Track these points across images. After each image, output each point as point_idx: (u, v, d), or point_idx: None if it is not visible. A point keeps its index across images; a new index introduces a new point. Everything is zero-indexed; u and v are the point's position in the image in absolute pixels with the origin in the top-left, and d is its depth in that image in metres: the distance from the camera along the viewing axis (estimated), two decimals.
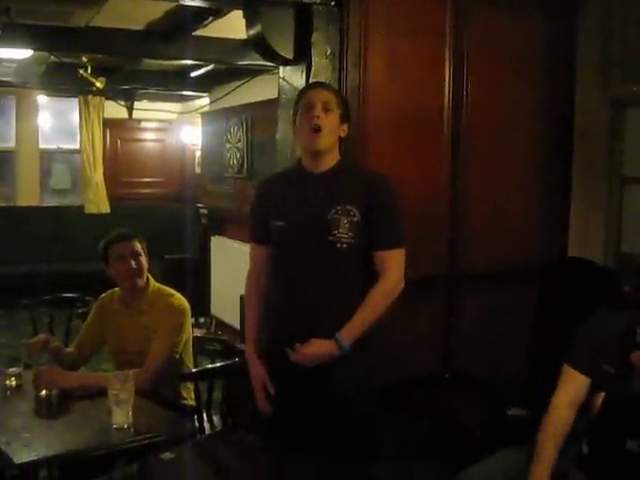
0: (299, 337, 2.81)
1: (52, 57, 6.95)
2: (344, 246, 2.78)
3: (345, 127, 2.88)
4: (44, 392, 3.16)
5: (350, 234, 2.77)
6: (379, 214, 2.81)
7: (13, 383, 3.37)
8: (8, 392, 3.33)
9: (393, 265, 2.83)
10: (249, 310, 3.09)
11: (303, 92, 2.94)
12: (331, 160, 2.86)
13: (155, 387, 3.38)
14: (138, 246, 3.67)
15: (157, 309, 3.61)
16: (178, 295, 3.68)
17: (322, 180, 2.84)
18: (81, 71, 7.25)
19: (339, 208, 2.78)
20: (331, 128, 2.80)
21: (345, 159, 2.91)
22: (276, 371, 2.94)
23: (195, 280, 6.86)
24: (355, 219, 2.78)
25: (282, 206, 2.88)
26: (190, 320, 3.69)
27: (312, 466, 2.50)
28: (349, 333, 2.77)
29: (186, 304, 3.65)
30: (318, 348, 2.77)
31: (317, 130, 2.76)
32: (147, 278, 3.69)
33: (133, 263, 3.61)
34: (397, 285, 2.85)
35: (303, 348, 2.76)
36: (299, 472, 2.51)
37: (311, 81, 3.45)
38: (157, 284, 3.73)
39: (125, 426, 2.82)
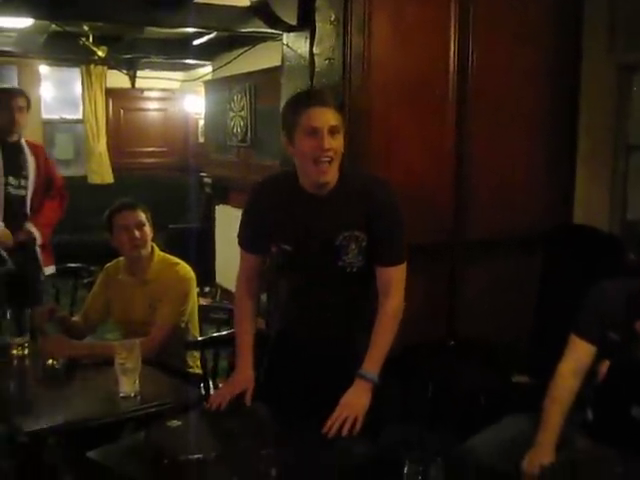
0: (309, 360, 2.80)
1: (53, 26, 6.89)
2: (354, 270, 2.71)
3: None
4: (51, 361, 3.17)
5: (359, 258, 2.69)
6: (382, 230, 2.69)
7: (20, 353, 3.39)
8: (15, 361, 3.36)
9: (396, 282, 2.75)
10: (240, 319, 2.94)
11: (300, 110, 2.58)
12: (332, 182, 2.67)
13: (161, 356, 3.40)
14: (142, 216, 3.66)
15: (162, 278, 3.61)
16: (183, 264, 3.69)
17: (325, 202, 2.68)
18: (83, 40, 7.19)
19: (347, 234, 2.67)
20: (339, 153, 2.59)
21: (343, 174, 2.69)
22: (284, 361, 2.92)
23: (199, 249, 6.87)
24: (364, 244, 2.69)
25: (286, 228, 2.74)
26: (195, 289, 3.70)
27: (319, 433, 2.51)
28: (374, 365, 2.68)
29: (191, 273, 3.66)
30: (355, 401, 2.60)
31: (329, 162, 2.57)
32: (152, 248, 3.69)
33: (137, 233, 3.61)
34: (402, 302, 2.77)
35: (343, 412, 2.55)
36: (306, 439, 2.52)
37: (315, 48, 3.42)
38: (162, 253, 3.73)
39: (132, 394, 2.84)
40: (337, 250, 2.68)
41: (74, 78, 9.88)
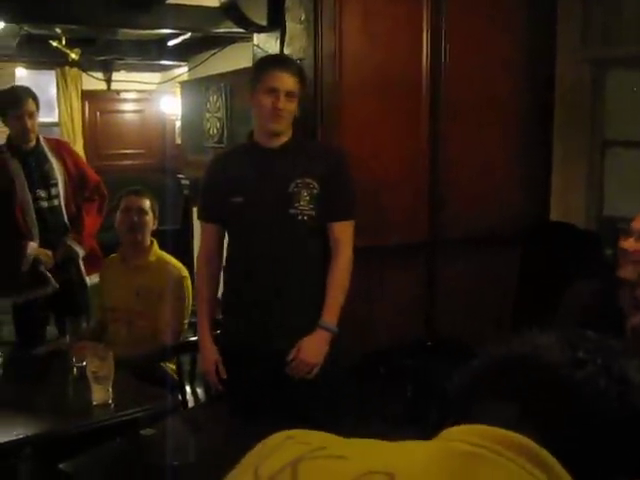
0: (258, 316, 2.84)
1: (25, 28, 6.82)
2: (305, 218, 2.81)
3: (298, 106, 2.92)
4: (83, 364, 3.03)
5: (311, 206, 2.80)
6: (333, 186, 2.84)
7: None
8: None
9: (346, 237, 2.88)
10: (201, 294, 3.07)
11: (265, 69, 2.88)
12: (285, 137, 2.88)
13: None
14: (147, 203, 3.69)
15: (155, 269, 3.64)
16: (178, 262, 3.73)
17: (279, 154, 2.87)
18: (54, 43, 7.12)
19: (299, 181, 2.80)
20: (291, 113, 2.85)
21: (297, 135, 2.94)
22: (231, 356, 2.95)
23: (178, 251, 6.81)
24: (315, 191, 2.81)
25: (239, 182, 2.88)
26: (190, 287, 3.69)
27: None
28: (331, 316, 2.83)
29: (185, 271, 3.67)
30: (313, 347, 2.80)
31: (279, 115, 2.80)
32: (152, 241, 3.69)
33: (136, 217, 3.63)
34: (351, 256, 2.90)
35: (300, 355, 2.79)
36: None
37: (286, 49, 3.40)
38: (161, 251, 3.74)
39: (105, 402, 2.80)
40: (289, 197, 2.80)
41: (50, 81, 9.78)
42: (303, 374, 2.79)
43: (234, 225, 2.94)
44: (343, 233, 2.87)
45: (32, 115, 4.05)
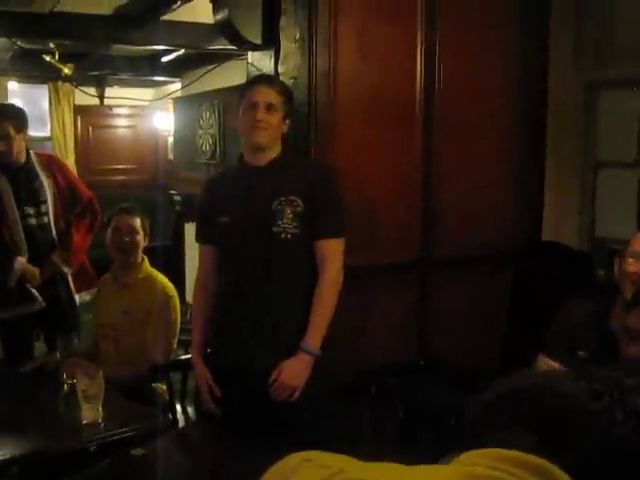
0: (247, 334, 2.84)
1: (17, 43, 6.82)
2: (289, 236, 2.79)
3: (287, 122, 2.91)
4: (73, 381, 2.99)
5: (294, 224, 2.79)
6: (319, 204, 2.83)
7: None
8: None
9: (333, 255, 2.85)
10: (196, 313, 3.09)
11: (248, 87, 2.95)
12: (272, 153, 2.88)
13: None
14: (137, 222, 3.66)
15: (142, 288, 3.63)
16: (167, 281, 3.71)
17: (264, 172, 2.86)
18: (48, 57, 7.12)
19: (283, 199, 2.79)
20: (273, 127, 2.84)
21: (286, 152, 2.93)
22: (221, 376, 2.94)
23: (169, 267, 6.79)
24: (299, 209, 2.79)
25: (226, 202, 2.90)
26: (178, 306, 3.67)
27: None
28: (314, 339, 2.81)
29: (174, 290, 3.67)
30: (294, 370, 2.78)
31: (258, 127, 2.81)
32: (143, 258, 3.68)
33: (126, 237, 3.61)
34: (340, 275, 2.87)
35: (280, 377, 2.77)
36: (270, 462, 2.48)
37: (280, 67, 3.40)
38: (151, 267, 3.72)
39: (95, 421, 2.78)
40: (272, 215, 2.79)
41: (42, 95, 9.77)
42: (285, 396, 2.78)
43: (223, 245, 2.94)
44: (329, 251, 2.85)
45: (7, 138, 3.95)
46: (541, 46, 4.02)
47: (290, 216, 2.78)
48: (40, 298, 4.09)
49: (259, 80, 3.05)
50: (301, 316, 2.82)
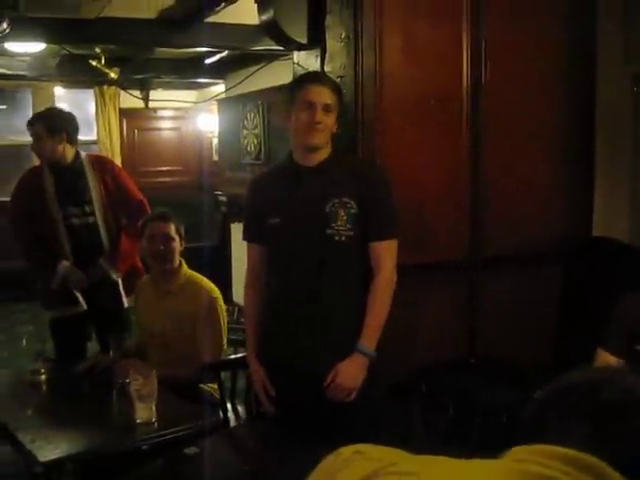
0: (300, 334, 2.82)
1: (65, 49, 6.92)
2: (343, 238, 2.77)
3: (338, 121, 2.88)
4: (127, 381, 3.03)
5: (348, 226, 2.77)
6: (373, 205, 2.81)
7: (42, 377, 3.38)
8: (42, 387, 3.35)
9: (387, 256, 2.84)
10: (248, 313, 3.07)
11: (302, 86, 2.87)
12: (324, 154, 2.85)
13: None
14: (172, 229, 3.66)
15: (186, 293, 3.62)
16: (208, 282, 3.70)
17: (315, 173, 2.84)
18: (94, 62, 7.22)
19: (336, 201, 2.77)
20: (329, 127, 2.81)
21: (336, 152, 2.90)
22: (275, 376, 2.93)
23: (216, 268, 6.85)
24: (352, 211, 2.77)
25: (277, 202, 2.87)
26: (223, 306, 3.68)
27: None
28: (370, 339, 2.80)
29: (217, 291, 3.66)
30: (350, 372, 2.77)
31: (316, 129, 2.77)
32: (180, 262, 3.68)
33: (162, 246, 3.61)
34: (394, 275, 2.85)
35: (337, 379, 2.76)
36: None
37: (326, 67, 3.39)
38: (190, 270, 3.72)
39: (149, 421, 2.81)
40: (327, 217, 2.77)
41: (88, 99, 9.91)
42: (341, 397, 2.77)
43: (273, 246, 2.93)
44: (384, 251, 2.83)
45: (38, 139, 4.11)
46: (588, 40, 3.96)
47: (344, 218, 2.76)
48: (82, 301, 4.16)
49: (312, 79, 2.96)
50: (353, 316, 2.80)
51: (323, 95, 2.79)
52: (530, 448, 0.89)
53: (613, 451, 0.84)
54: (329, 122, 2.80)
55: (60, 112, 4.39)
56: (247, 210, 3.06)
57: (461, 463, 0.91)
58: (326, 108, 2.78)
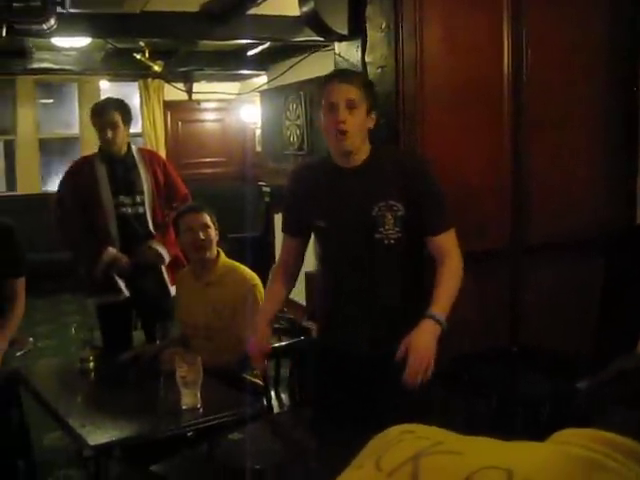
0: (362, 330, 2.78)
1: (110, 43, 7.03)
2: (392, 242, 2.72)
3: (373, 116, 2.76)
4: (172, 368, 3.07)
5: (396, 229, 2.71)
6: (424, 200, 2.73)
7: (91, 365, 3.47)
8: (90, 374, 3.43)
9: (452, 246, 2.77)
10: (271, 290, 3.01)
11: (325, 87, 2.77)
12: (363, 154, 2.77)
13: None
14: (207, 218, 3.70)
15: (226, 282, 3.66)
16: (247, 270, 3.72)
17: (358, 175, 2.75)
18: (138, 56, 7.31)
19: (382, 204, 2.70)
20: (358, 127, 2.69)
21: (377, 150, 2.82)
22: (330, 370, 2.90)
23: (260, 258, 6.92)
24: (400, 213, 2.70)
25: (320, 204, 2.81)
26: (262, 293, 3.72)
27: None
28: (442, 307, 2.63)
29: (256, 279, 3.69)
30: (424, 340, 2.54)
31: (343, 133, 2.66)
32: (218, 252, 3.73)
33: (201, 235, 3.66)
34: (461, 262, 2.77)
35: (412, 354, 2.50)
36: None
37: (367, 57, 3.41)
38: (228, 259, 3.77)
39: (194, 407, 2.87)
40: (374, 221, 2.70)
41: (133, 92, 10.03)
42: (421, 377, 2.52)
43: (320, 248, 2.90)
44: (447, 244, 2.75)
45: (114, 126, 4.19)
46: (632, 31, 3.92)
47: (392, 222, 2.70)
48: (124, 288, 4.24)
49: (334, 77, 2.83)
50: (400, 314, 2.77)
51: (344, 92, 2.68)
52: (576, 431, 0.90)
53: None
54: (356, 120, 2.67)
55: (125, 103, 4.47)
56: (287, 201, 3.00)
57: (505, 444, 0.93)
58: (350, 104, 2.66)
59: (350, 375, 2.80)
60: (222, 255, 3.75)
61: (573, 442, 0.88)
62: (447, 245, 2.75)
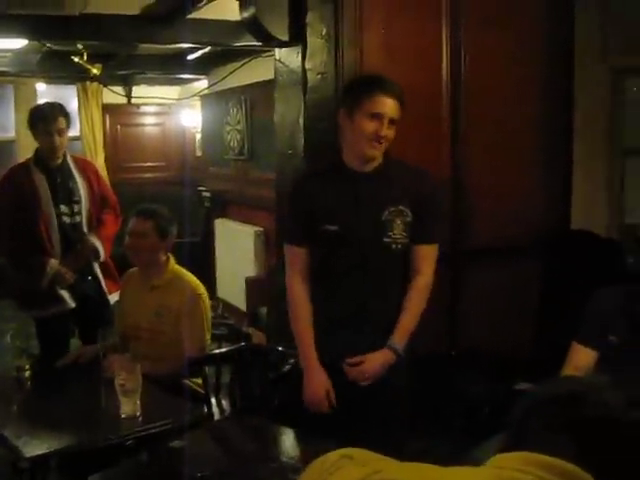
0: (350, 338, 2.82)
1: (46, 45, 6.90)
2: (399, 247, 2.78)
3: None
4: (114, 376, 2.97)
5: (404, 234, 2.78)
6: (425, 212, 2.81)
7: (27, 374, 3.39)
8: (27, 383, 3.35)
9: (430, 260, 2.86)
10: (301, 317, 2.91)
11: (368, 92, 2.73)
12: (377, 161, 2.83)
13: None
14: (149, 225, 3.65)
15: (172, 288, 3.63)
16: (194, 278, 3.70)
17: (371, 180, 2.80)
18: (76, 59, 7.20)
19: (392, 209, 2.76)
20: (390, 141, 2.78)
21: (389, 156, 2.86)
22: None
23: (200, 263, 6.86)
24: (408, 219, 2.77)
25: (331, 208, 2.80)
26: (208, 302, 3.70)
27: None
28: (402, 338, 2.82)
29: (202, 288, 3.67)
30: (377, 362, 2.79)
31: (380, 144, 2.74)
32: (168, 257, 3.70)
33: (137, 241, 3.62)
34: (432, 279, 2.88)
35: (362, 364, 2.78)
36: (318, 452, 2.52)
37: (307, 64, 3.41)
38: (177, 266, 3.74)
39: (133, 415, 2.83)
40: (383, 225, 2.75)
41: (71, 95, 9.85)
42: (358, 379, 2.80)
43: (326, 251, 2.86)
44: (427, 255, 2.85)
45: (61, 133, 4.11)
46: (567, 35, 4.01)
47: (400, 227, 2.76)
48: (69, 299, 4.17)
49: (385, 89, 2.75)
50: (394, 318, 2.85)
51: (390, 108, 2.72)
52: (511, 455, 0.93)
53: (591, 460, 0.88)
54: (391, 136, 2.76)
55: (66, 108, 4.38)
56: (295, 213, 2.93)
57: (444, 470, 0.94)
58: (391, 122, 2.73)
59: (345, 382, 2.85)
60: (172, 261, 3.72)
61: (508, 466, 0.90)
62: (426, 257, 2.85)
